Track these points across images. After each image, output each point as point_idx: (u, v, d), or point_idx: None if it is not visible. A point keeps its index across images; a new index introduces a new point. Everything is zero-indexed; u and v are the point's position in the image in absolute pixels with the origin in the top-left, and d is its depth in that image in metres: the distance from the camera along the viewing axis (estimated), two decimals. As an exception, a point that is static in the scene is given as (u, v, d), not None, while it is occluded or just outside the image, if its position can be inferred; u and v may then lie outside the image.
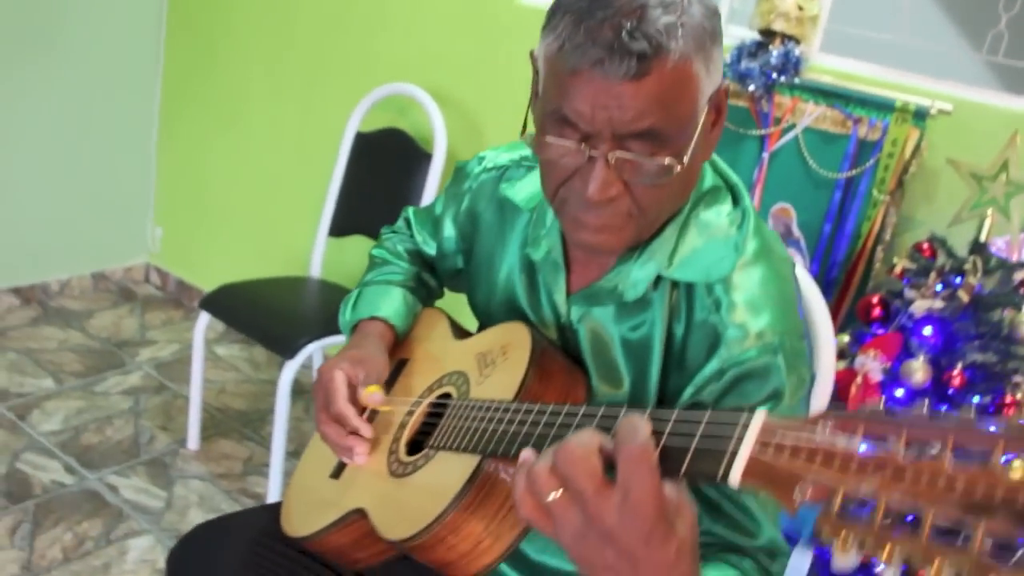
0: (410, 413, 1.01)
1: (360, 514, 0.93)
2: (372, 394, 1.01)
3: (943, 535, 0.39)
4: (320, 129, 2.87)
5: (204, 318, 2.40)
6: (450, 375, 1.03)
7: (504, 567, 1.08)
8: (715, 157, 0.96)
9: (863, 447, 0.44)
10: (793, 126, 1.95)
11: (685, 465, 0.54)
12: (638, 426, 0.55)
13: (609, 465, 0.56)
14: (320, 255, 2.60)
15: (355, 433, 0.99)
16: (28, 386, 2.75)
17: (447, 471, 0.85)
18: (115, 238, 3.42)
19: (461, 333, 1.12)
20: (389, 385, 1.09)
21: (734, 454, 0.51)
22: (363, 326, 1.14)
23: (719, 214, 0.92)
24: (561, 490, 0.57)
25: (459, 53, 2.59)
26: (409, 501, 0.88)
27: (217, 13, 3.11)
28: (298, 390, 2.83)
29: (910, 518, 0.42)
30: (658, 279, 0.91)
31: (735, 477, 0.50)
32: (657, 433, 0.58)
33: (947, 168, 1.82)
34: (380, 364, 1.06)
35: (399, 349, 1.16)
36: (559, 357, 0.95)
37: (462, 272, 1.18)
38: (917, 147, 1.82)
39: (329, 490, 1.02)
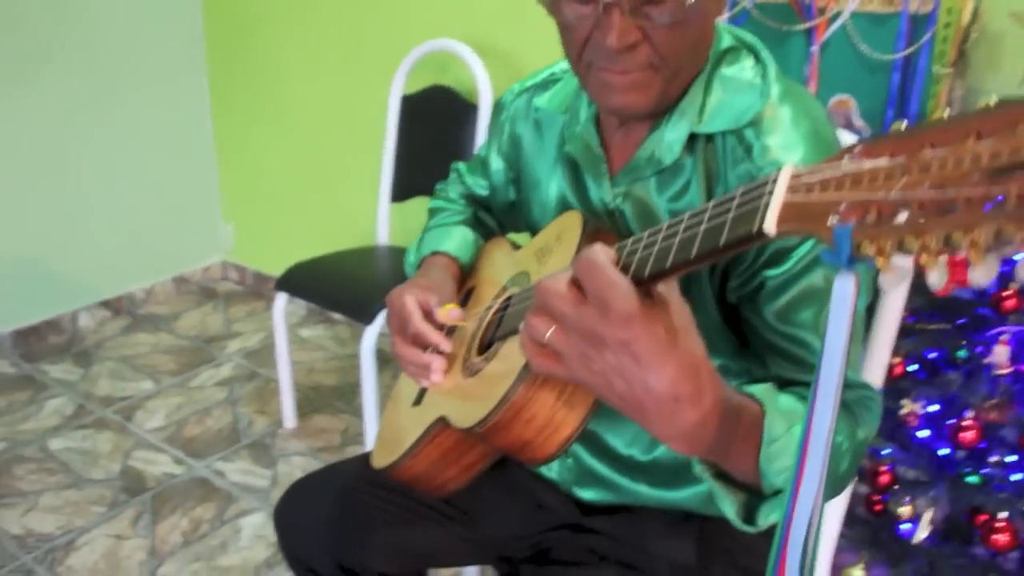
0: (479, 323, 1.02)
1: (442, 423, 0.94)
2: (450, 311, 1.02)
3: (977, 206, 0.38)
4: (366, 97, 2.86)
5: (282, 299, 2.42)
6: (512, 278, 1.05)
7: (591, 459, 1.08)
8: (731, 25, 0.98)
9: (890, 162, 0.44)
10: (839, 14, 1.88)
11: (723, 237, 0.52)
12: (591, 247, 0.57)
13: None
14: (385, 222, 2.61)
15: (434, 351, 1.00)
16: (129, 390, 2.85)
17: (513, 353, 0.86)
18: (189, 241, 3.49)
19: (519, 247, 1.13)
20: (464, 307, 1.09)
21: (767, 206, 0.50)
22: (426, 262, 1.16)
23: (741, 69, 0.93)
24: (554, 327, 0.58)
25: (493, 1, 2.56)
26: (482, 390, 0.88)
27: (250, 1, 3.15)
28: (383, 359, 2.87)
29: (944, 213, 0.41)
30: (691, 141, 0.92)
31: (770, 224, 0.49)
32: (673, 227, 0.58)
33: (1011, 27, 1.73)
34: (448, 289, 1.08)
35: (466, 281, 1.17)
36: (611, 231, 0.97)
37: (516, 203, 1.18)
38: (975, 11, 1.73)
39: (412, 417, 1.03)
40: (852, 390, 0.88)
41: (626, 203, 0.97)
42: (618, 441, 1.08)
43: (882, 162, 0.43)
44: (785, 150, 0.88)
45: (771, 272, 0.86)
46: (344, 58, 2.90)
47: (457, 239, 1.17)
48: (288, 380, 2.56)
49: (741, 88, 0.91)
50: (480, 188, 1.25)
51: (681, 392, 0.56)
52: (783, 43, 1.95)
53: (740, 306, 0.92)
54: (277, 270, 3.37)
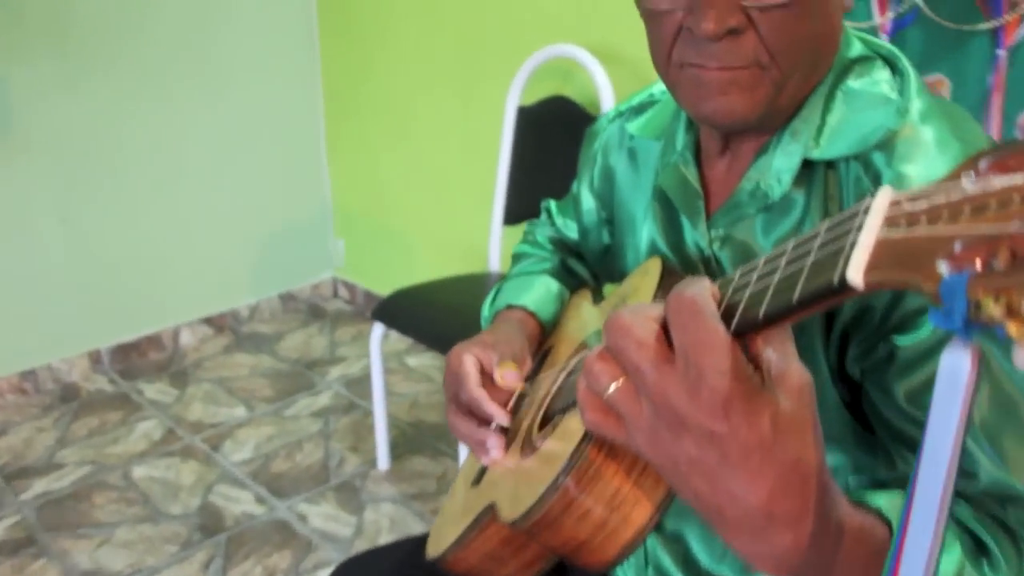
0: (547, 392, 0.99)
1: (492, 512, 0.90)
2: (506, 372, 1.00)
3: None
4: (482, 108, 2.82)
5: (379, 328, 2.41)
6: (589, 337, 1.02)
7: (672, 568, 1.01)
8: (863, 33, 0.91)
9: None
10: (1036, 11, 1.60)
11: (796, 293, 0.46)
12: (690, 280, 0.52)
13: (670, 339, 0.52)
14: (497, 247, 2.56)
15: (489, 422, 0.98)
16: (221, 415, 2.85)
17: (572, 431, 0.82)
18: (299, 256, 3.52)
19: (602, 298, 1.12)
20: (533, 377, 1.08)
21: (852, 247, 0.43)
22: (500, 316, 1.13)
23: (874, 83, 0.85)
24: (622, 379, 0.53)
25: (617, 3, 2.41)
26: (532, 474, 0.86)
27: (366, 11, 3.13)
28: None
29: None
30: (805, 170, 0.86)
31: (855, 273, 0.42)
32: (747, 275, 0.53)
33: None
34: (516, 346, 1.05)
35: (546, 340, 1.14)
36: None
37: (610, 249, 1.15)
38: None
39: (468, 499, 1.02)
40: (1017, 506, 0.75)
41: (724, 249, 0.92)
42: (705, 555, 0.99)
43: (1020, 179, 0.37)
44: (926, 181, 0.73)
45: (903, 339, 0.77)
46: (461, 64, 2.88)
47: (538, 291, 1.15)
48: (383, 417, 2.52)
49: (871, 104, 0.84)
50: (570, 231, 1.23)
51: (779, 510, 0.50)
52: (961, 47, 1.71)
53: (864, 381, 0.83)
54: (387, 289, 3.39)
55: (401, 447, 2.67)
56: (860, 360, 0.82)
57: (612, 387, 0.54)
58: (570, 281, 1.21)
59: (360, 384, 3.00)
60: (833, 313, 0.83)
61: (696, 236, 0.95)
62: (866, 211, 0.45)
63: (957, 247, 0.38)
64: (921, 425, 0.76)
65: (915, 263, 0.40)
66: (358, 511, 2.39)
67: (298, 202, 3.44)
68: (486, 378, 1.00)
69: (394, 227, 3.33)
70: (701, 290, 0.51)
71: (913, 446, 0.79)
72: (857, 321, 0.81)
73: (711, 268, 0.94)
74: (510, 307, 1.13)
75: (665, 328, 0.52)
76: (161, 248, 3.11)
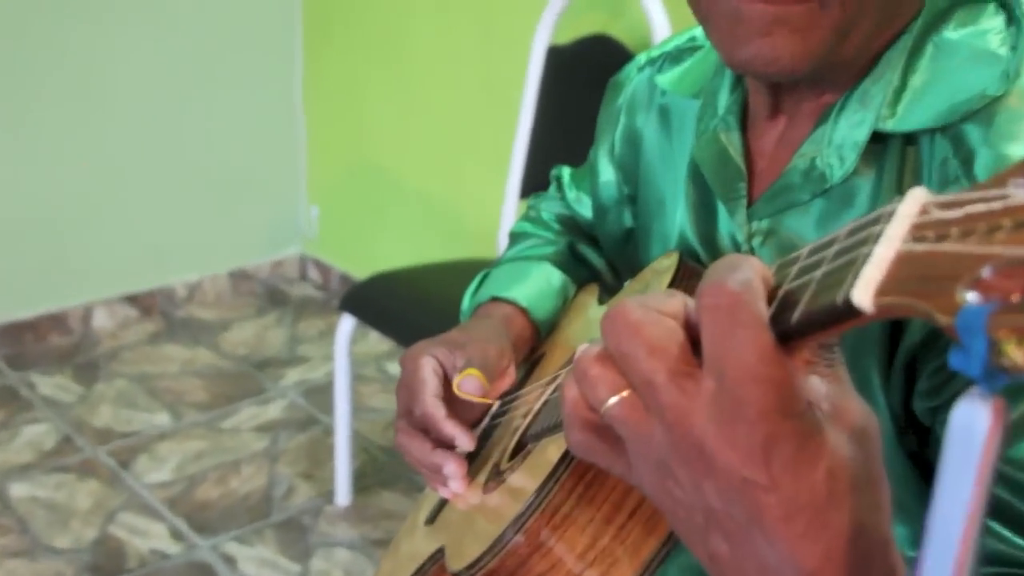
0: (527, 412, 1.03)
1: (440, 559, 0.93)
2: (465, 380, 1.02)
3: None
4: (502, 48, 2.86)
5: (348, 322, 2.42)
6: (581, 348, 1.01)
7: None
8: None
9: None
10: None
11: (797, 312, 0.48)
12: (734, 261, 0.51)
13: (696, 343, 0.52)
14: (510, 224, 2.43)
15: (451, 445, 1.01)
16: (137, 423, 2.84)
17: (544, 460, 0.84)
18: (258, 223, 3.53)
19: (610, 296, 1.14)
20: (519, 388, 1.11)
21: (866, 258, 0.45)
22: (481, 310, 1.16)
23: (978, 34, 0.84)
24: (626, 392, 0.53)
25: None
26: (490, 513, 0.88)
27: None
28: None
29: None
30: (876, 145, 0.86)
31: (862, 294, 0.44)
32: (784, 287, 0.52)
33: None
34: (494, 349, 1.07)
35: (539, 347, 1.17)
36: None
37: (632, 234, 1.16)
38: None
39: (419, 540, 1.05)
40: None
41: (767, 246, 0.93)
42: None
43: None
44: None
45: None
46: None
47: (534, 282, 1.17)
48: (347, 438, 2.52)
49: (972, 61, 0.83)
50: (584, 208, 1.26)
51: None
52: None
53: (935, 425, 0.84)
54: (371, 272, 3.37)
55: (368, 478, 2.66)
56: (932, 396, 0.83)
57: (612, 400, 0.54)
58: (578, 272, 1.23)
59: (323, 394, 2.97)
60: (896, 334, 0.84)
61: (733, 227, 0.96)
62: (890, 216, 0.46)
63: (986, 272, 0.38)
64: (1008, 482, 0.77)
65: (932, 287, 0.40)
66: (304, 557, 2.37)
67: (261, 153, 3.44)
68: (447, 386, 1.03)
69: (383, 194, 3.34)
70: (748, 278, 0.51)
71: (1005, 515, 0.80)
72: (929, 344, 0.82)
73: None
74: (496, 300, 1.15)
75: (689, 330, 0.53)
76: (76, 204, 3.11)
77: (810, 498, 0.49)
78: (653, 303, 0.54)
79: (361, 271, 3.37)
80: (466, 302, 1.22)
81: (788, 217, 0.91)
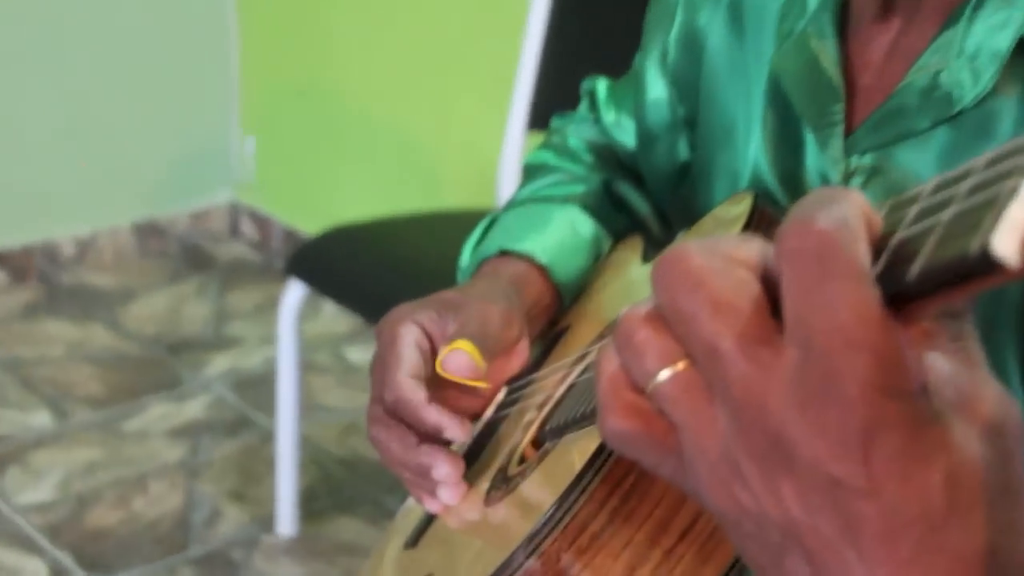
0: (545, 401, 1.07)
1: None
2: (451, 355, 1.04)
3: None
4: None
5: (296, 291, 2.39)
6: (615, 321, 1.08)
7: None
8: None
9: None
10: None
11: (915, 267, 0.49)
12: (827, 194, 0.52)
13: (776, 302, 0.52)
14: (514, 167, 2.56)
15: (442, 439, 1.05)
16: (7, 424, 2.79)
17: (567, 462, 0.89)
18: (175, 161, 3.51)
19: (658, 250, 1.20)
20: (534, 371, 1.15)
21: (1012, 194, 0.45)
22: (486, 267, 1.19)
23: None
24: (682, 364, 0.54)
25: None
26: (494, 535, 0.95)
27: None
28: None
29: None
30: (1022, 55, 0.88)
31: (1003, 242, 0.44)
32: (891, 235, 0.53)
33: None
34: (493, 315, 1.09)
35: (563, 317, 1.21)
36: None
37: (690, 169, 1.20)
38: None
39: (396, 569, 1.11)
40: None
41: (871, 187, 0.97)
42: None
43: None
44: None
45: None
46: None
47: (557, 230, 1.21)
48: (291, 444, 2.47)
49: None
50: (625, 134, 1.28)
51: None
52: None
53: None
54: (324, 227, 3.53)
55: (320, 500, 2.63)
56: None
57: (664, 373, 0.54)
58: (615, 219, 1.25)
59: (261, 387, 2.94)
60: None
61: (824, 163, 0.99)
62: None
63: None
64: None
65: None
66: None
67: (179, 67, 3.44)
68: (432, 359, 1.07)
69: (342, 124, 3.34)
70: (845, 215, 0.51)
71: None
72: None
73: None
74: (505, 254, 1.17)
75: (768, 284, 0.53)
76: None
77: (921, 510, 0.49)
78: (722, 248, 0.54)
79: (312, 225, 3.31)
80: (466, 257, 1.24)
81: (900, 151, 0.94)
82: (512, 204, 1.28)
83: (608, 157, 1.31)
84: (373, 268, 2.34)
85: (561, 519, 0.80)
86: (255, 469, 2.69)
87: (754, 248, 0.55)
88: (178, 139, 3.48)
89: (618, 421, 0.57)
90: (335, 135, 3.36)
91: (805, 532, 0.51)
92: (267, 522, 2.52)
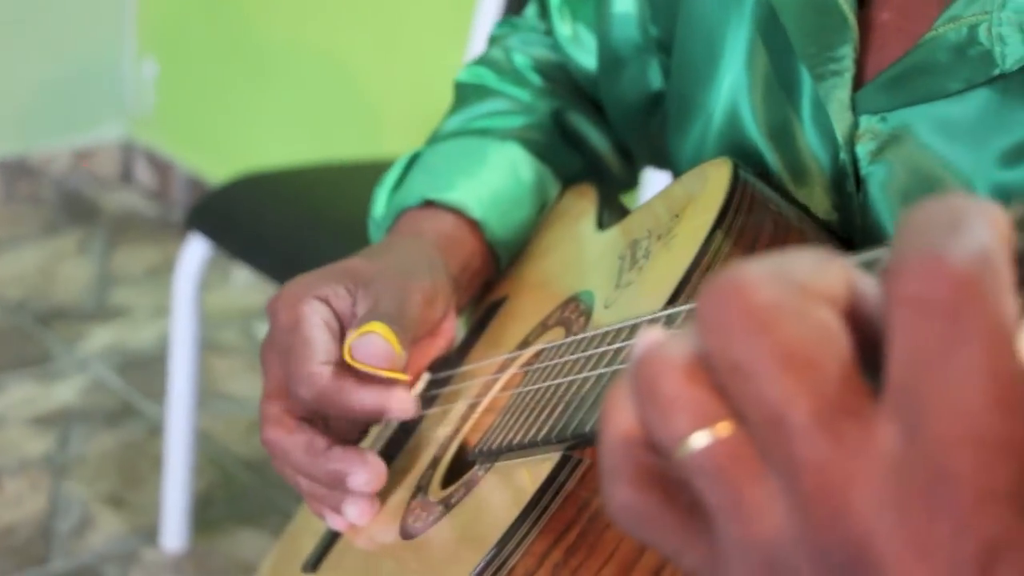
0: (476, 402, 1.09)
1: None
2: (363, 340, 1.04)
3: None
4: None
5: (198, 248, 2.45)
6: (564, 305, 1.10)
7: None
8: None
9: None
10: None
11: None
12: (955, 210, 0.48)
13: (869, 357, 0.49)
14: None
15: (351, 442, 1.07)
16: None
17: (495, 502, 0.92)
18: (54, 87, 3.54)
19: (617, 216, 1.19)
20: (463, 353, 1.18)
21: None
22: (404, 222, 1.21)
23: None
24: (726, 427, 0.51)
25: None
26: (409, 568, 0.98)
27: None
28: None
29: None
30: None
31: None
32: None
33: None
34: (412, 291, 1.10)
35: (500, 281, 1.24)
36: (794, 218, 1.00)
37: (661, 100, 1.23)
38: None
39: None
40: None
41: (884, 160, 0.99)
42: None
43: None
44: None
45: None
46: None
47: (494, 176, 1.23)
48: (184, 439, 2.51)
49: None
50: (583, 52, 1.31)
51: None
52: None
53: None
54: (233, 173, 3.49)
55: (217, 507, 2.70)
56: None
57: (701, 438, 0.51)
58: (566, 159, 1.28)
59: (150, 369, 3.01)
60: None
61: (828, 119, 1.00)
62: None
63: None
64: None
65: None
66: None
67: None
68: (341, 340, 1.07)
69: (264, 49, 3.36)
70: (986, 246, 0.47)
71: None
72: None
73: (844, 194, 1.01)
74: (429, 205, 1.19)
75: (859, 330, 0.49)
76: None
77: None
78: (798, 276, 0.50)
79: (221, 171, 3.36)
80: (380, 204, 1.26)
81: (923, 115, 0.96)
82: (439, 136, 1.29)
83: (560, 80, 1.33)
84: (294, 225, 2.37)
85: (508, 550, 0.84)
86: (138, 468, 2.72)
87: (840, 277, 0.51)
88: (58, 58, 3.49)
89: (629, 492, 0.54)
90: (253, 61, 3.38)
91: None
92: (150, 533, 2.56)
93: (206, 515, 2.62)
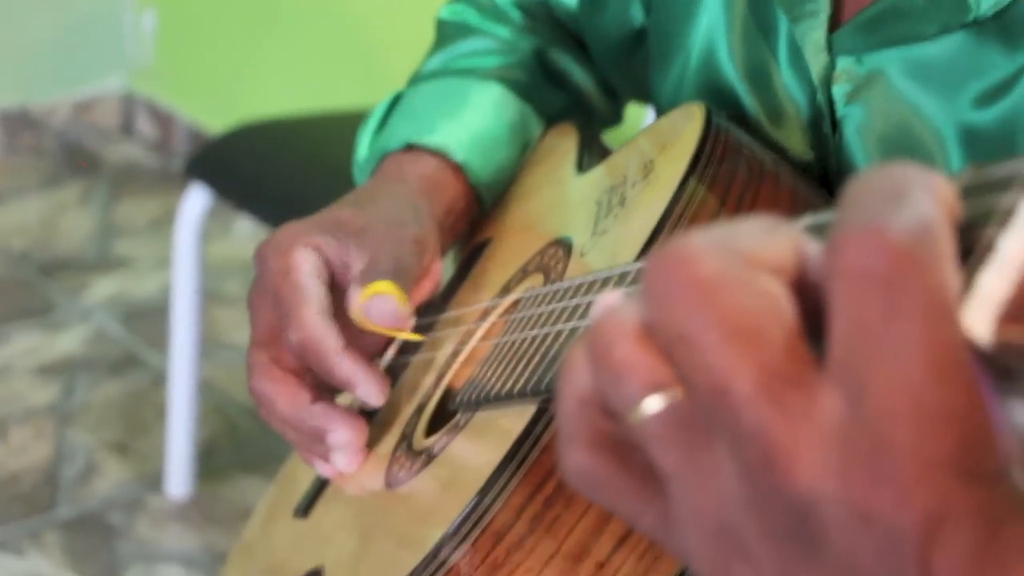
0: (458, 349, 1.10)
1: None
2: (375, 301, 1.04)
3: None
4: None
5: (199, 197, 2.45)
6: (544, 250, 1.10)
7: None
8: None
9: None
10: None
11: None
12: (899, 178, 0.48)
13: (818, 324, 0.50)
14: None
15: (340, 392, 1.08)
16: None
17: (475, 452, 0.93)
18: (56, 40, 3.52)
19: (597, 158, 1.18)
20: (448, 297, 1.19)
21: (983, 259, 0.45)
22: (387, 166, 1.20)
23: None
24: (678, 391, 0.51)
25: None
26: (397, 524, 0.97)
27: None
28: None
29: None
30: None
31: (978, 321, 0.44)
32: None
33: None
34: (405, 240, 1.10)
35: (485, 222, 1.24)
36: (769, 162, 0.99)
37: (644, 37, 1.21)
38: None
39: (285, 543, 1.14)
40: None
41: (860, 102, 0.99)
42: None
43: None
44: None
45: None
46: None
47: (476, 116, 1.23)
48: (188, 388, 2.53)
49: None
50: None
51: None
52: None
53: None
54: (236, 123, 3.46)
55: (222, 455, 2.71)
56: None
57: (653, 402, 0.50)
58: (548, 97, 1.28)
59: (153, 319, 3.00)
60: None
61: (804, 61, 1.01)
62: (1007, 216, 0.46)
63: None
64: None
65: None
66: None
67: None
68: (338, 297, 1.05)
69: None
70: (928, 218, 0.47)
71: None
72: None
73: (820, 135, 1.00)
74: (411, 148, 1.18)
75: (804, 299, 0.49)
76: None
77: None
78: (744, 245, 0.50)
79: (222, 122, 3.30)
80: (363, 147, 1.26)
81: (898, 57, 0.96)
82: (421, 77, 1.29)
83: (542, 17, 1.32)
84: (295, 174, 2.38)
85: (471, 530, 0.85)
86: (142, 417, 2.73)
87: (786, 246, 0.51)
88: (59, 10, 3.47)
89: (584, 455, 0.55)
90: (253, 11, 3.36)
91: None
92: (154, 480, 2.56)
93: (210, 463, 2.63)
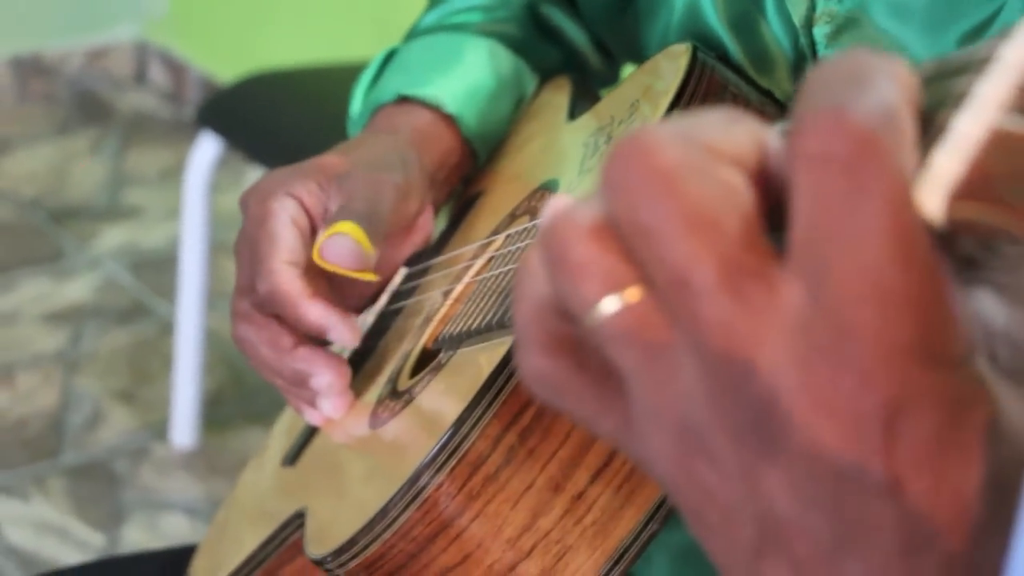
0: (449, 292, 1.10)
1: (300, 525, 1.03)
2: (332, 241, 1.05)
3: None
4: None
5: (208, 151, 2.48)
6: (532, 195, 1.11)
7: None
8: None
9: None
10: None
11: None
12: (860, 65, 0.48)
13: (779, 216, 0.50)
14: None
15: (325, 340, 1.08)
16: None
17: (454, 386, 0.93)
18: None
19: (588, 107, 1.18)
20: (439, 247, 1.19)
21: (940, 135, 0.45)
22: (380, 118, 1.21)
23: None
24: (636, 291, 0.50)
25: None
26: (380, 462, 0.98)
27: None
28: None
29: None
30: None
31: (931, 197, 0.45)
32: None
33: None
34: (385, 186, 1.10)
35: (478, 176, 1.25)
36: (755, 101, 0.99)
37: None
38: None
39: (271, 490, 1.17)
40: None
41: (840, 43, 0.99)
42: None
43: None
44: None
45: None
46: None
47: (471, 70, 1.23)
48: (195, 337, 2.56)
49: None
50: None
51: None
52: None
53: None
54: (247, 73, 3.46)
55: (228, 406, 2.72)
56: None
57: (610, 303, 0.50)
58: (542, 53, 1.28)
59: (162, 268, 3.01)
60: None
61: (785, 7, 1.00)
62: (983, 63, 0.46)
63: None
64: None
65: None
66: (111, 523, 2.40)
67: None
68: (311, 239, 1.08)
69: None
70: (890, 103, 0.47)
71: None
72: None
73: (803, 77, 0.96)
74: (405, 100, 1.19)
75: (765, 190, 0.49)
76: None
77: (954, 518, 0.47)
78: (704, 137, 0.49)
79: (234, 72, 3.28)
80: (357, 101, 1.26)
81: (879, 3, 0.95)
82: (416, 33, 1.28)
83: None
84: (306, 124, 2.36)
85: (447, 460, 0.85)
86: (149, 366, 2.75)
87: (747, 137, 0.51)
88: None
89: (542, 360, 0.54)
90: None
91: (793, 535, 0.50)
92: (160, 429, 2.58)
93: (216, 413, 2.65)
